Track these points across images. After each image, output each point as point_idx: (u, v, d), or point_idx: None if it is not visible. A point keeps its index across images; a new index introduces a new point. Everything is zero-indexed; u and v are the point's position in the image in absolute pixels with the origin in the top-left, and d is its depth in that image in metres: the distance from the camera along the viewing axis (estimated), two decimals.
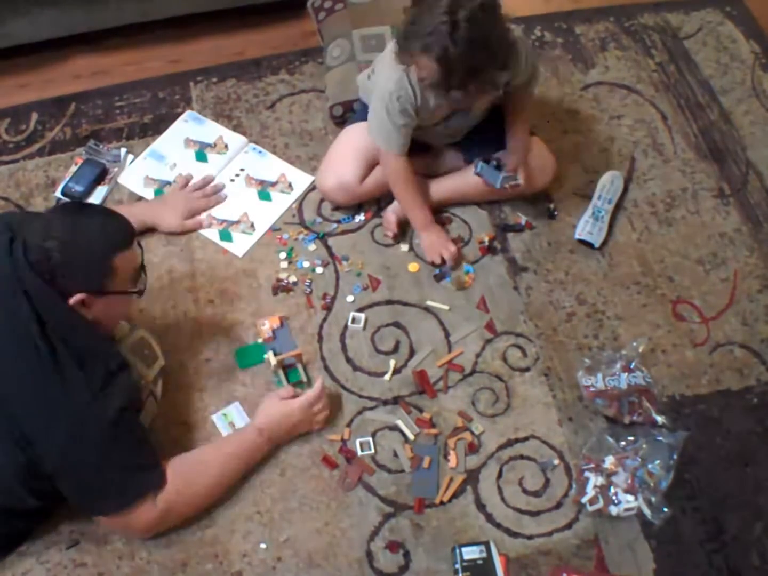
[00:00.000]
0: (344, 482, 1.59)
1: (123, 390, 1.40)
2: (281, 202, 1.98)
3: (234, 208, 1.97)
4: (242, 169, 2.04)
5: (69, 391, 1.34)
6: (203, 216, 1.94)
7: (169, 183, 2.00)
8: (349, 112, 2.04)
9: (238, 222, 1.94)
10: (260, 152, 2.07)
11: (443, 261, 1.85)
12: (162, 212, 1.90)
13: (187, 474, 1.49)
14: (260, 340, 1.76)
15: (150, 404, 1.57)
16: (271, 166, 2.04)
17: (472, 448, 1.63)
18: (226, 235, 1.92)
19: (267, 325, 1.77)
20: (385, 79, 1.73)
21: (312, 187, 2.00)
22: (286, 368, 1.71)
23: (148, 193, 1.99)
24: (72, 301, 1.35)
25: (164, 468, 1.46)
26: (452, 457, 1.61)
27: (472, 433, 1.65)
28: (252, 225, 1.94)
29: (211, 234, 1.93)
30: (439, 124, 1.82)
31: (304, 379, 1.70)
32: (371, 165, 1.89)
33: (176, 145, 2.08)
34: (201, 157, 2.05)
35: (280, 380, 1.69)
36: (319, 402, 1.61)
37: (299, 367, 1.71)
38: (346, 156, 1.89)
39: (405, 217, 1.90)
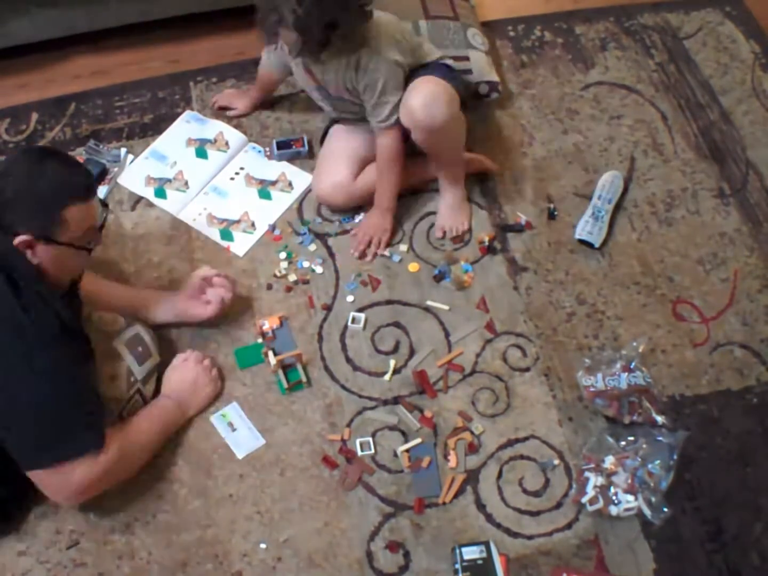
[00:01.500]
0: (344, 482, 1.59)
1: (67, 344, 1.39)
2: (282, 201, 1.98)
3: (234, 208, 1.97)
4: (242, 168, 2.04)
5: (8, 332, 1.33)
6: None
7: (169, 180, 2.00)
8: None
9: (238, 221, 1.94)
10: (260, 151, 2.07)
11: (362, 253, 1.88)
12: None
13: (125, 443, 1.48)
14: (260, 340, 1.76)
15: (135, 402, 1.58)
16: (270, 165, 2.04)
17: (472, 449, 1.63)
18: (227, 234, 1.92)
19: (267, 325, 1.77)
20: None
21: (311, 188, 2.00)
22: (286, 368, 1.71)
23: (148, 192, 1.99)
24: (16, 241, 1.34)
25: (105, 432, 1.44)
26: (452, 457, 1.61)
27: (472, 433, 1.65)
28: (253, 224, 1.94)
29: (212, 233, 1.93)
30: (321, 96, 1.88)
31: (304, 379, 1.70)
32: (362, 163, 1.91)
33: (177, 144, 2.07)
34: (201, 153, 2.05)
35: (280, 380, 1.70)
36: (204, 359, 1.68)
37: (299, 367, 1.71)
38: (337, 157, 1.91)
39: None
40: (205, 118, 2.12)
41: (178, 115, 2.14)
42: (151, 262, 1.88)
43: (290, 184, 2.01)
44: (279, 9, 1.55)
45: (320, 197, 1.94)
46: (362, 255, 1.89)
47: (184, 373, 1.66)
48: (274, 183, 2.01)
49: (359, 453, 1.62)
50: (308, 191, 2.00)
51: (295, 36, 1.59)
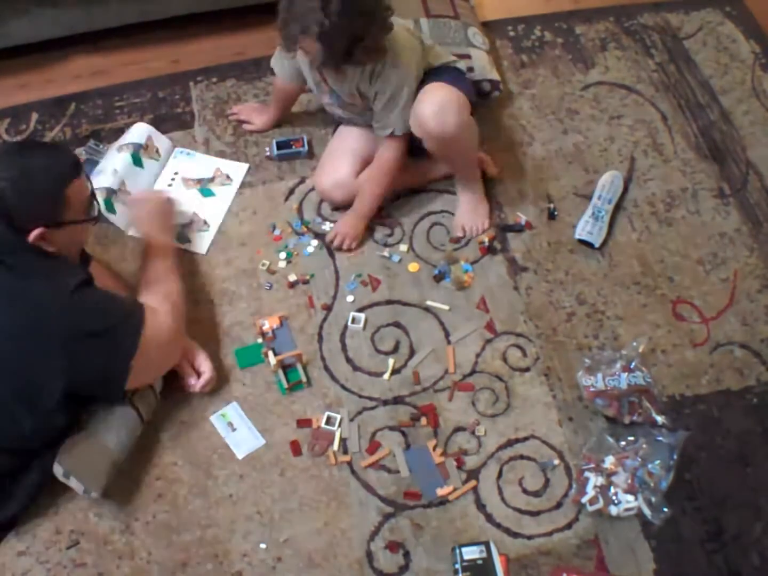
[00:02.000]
0: (313, 449, 1.62)
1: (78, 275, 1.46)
2: (225, 194, 1.99)
3: (183, 211, 1.96)
4: (176, 173, 2.03)
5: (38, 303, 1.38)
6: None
7: (115, 192, 1.91)
8: None
9: (190, 223, 1.94)
10: (188, 154, 2.06)
11: (332, 241, 1.89)
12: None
13: (159, 288, 1.63)
14: (260, 340, 1.76)
15: (149, 397, 1.59)
16: (202, 164, 2.05)
17: (470, 451, 1.63)
18: (182, 238, 1.92)
19: (267, 325, 1.77)
20: None
21: (311, 188, 2.00)
22: (286, 368, 1.71)
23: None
24: (32, 237, 1.37)
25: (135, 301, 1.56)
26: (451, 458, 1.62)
27: (473, 433, 1.65)
28: (205, 222, 1.95)
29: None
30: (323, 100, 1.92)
31: (304, 379, 1.70)
32: (364, 162, 1.91)
33: (110, 153, 2.01)
34: (137, 161, 2.00)
35: (280, 380, 1.69)
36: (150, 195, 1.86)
37: (299, 366, 1.71)
38: (340, 155, 1.93)
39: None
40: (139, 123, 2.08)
41: (178, 115, 2.15)
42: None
43: (228, 176, 2.02)
44: (305, 19, 1.52)
45: (321, 192, 1.95)
46: (337, 248, 1.91)
47: (141, 214, 1.80)
48: (212, 179, 2.02)
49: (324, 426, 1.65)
50: (311, 189, 2.00)
51: (318, 47, 1.55)
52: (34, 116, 2.16)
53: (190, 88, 2.21)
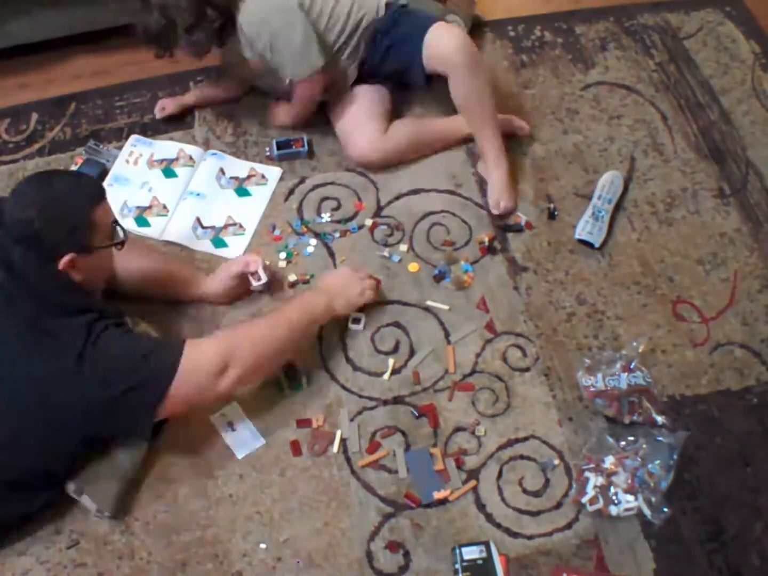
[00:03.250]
0: (313, 448, 1.61)
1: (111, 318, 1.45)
2: (261, 194, 1.98)
3: (216, 213, 1.95)
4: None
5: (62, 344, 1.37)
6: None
7: (148, 207, 1.95)
8: None
9: (225, 226, 1.93)
10: (220, 156, 2.04)
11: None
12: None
13: (235, 329, 1.61)
14: None
15: None
16: (236, 165, 2.04)
17: (470, 451, 1.63)
18: (219, 242, 1.91)
19: None
20: None
21: (311, 188, 2.00)
22: (287, 368, 1.70)
23: (129, 222, 1.92)
24: (62, 263, 1.38)
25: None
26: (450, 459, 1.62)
27: (473, 433, 1.65)
28: (240, 225, 1.93)
29: (206, 246, 1.90)
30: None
31: (304, 379, 1.70)
32: (386, 118, 1.98)
33: (139, 168, 2.03)
34: (169, 173, 2.01)
35: (281, 380, 1.69)
36: (360, 270, 1.77)
37: (299, 367, 1.71)
38: (362, 116, 1.96)
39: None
40: (150, 140, 2.09)
41: (178, 115, 2.14)
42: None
43: (263, 176, 2.01)
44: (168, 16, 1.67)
45: (357, 157, 1.97)
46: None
47: (337, 274, 1.75)
48: (248, 178, 2.01)
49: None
50: (311, 189, 2.00)
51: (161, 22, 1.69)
52: (34, 116, 2.16)
53: (190, 88, 2.21)
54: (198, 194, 1.98)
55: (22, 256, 1.37)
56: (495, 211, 1.93)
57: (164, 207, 1.96)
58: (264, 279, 1.74)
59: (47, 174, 1.56)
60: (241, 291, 1.79)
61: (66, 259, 1.38)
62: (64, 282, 1.41)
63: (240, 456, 1.62)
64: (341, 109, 2.00)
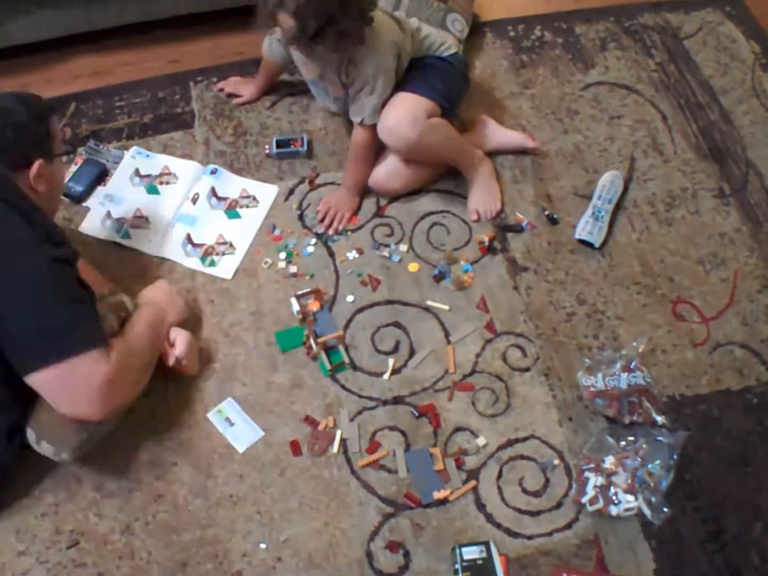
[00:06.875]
0: (313, 448, 1.61)
1: (65, 250, 1.42)
2: (252, 217, 1.95)
3: (207, 232, 1.93)
4: (197, 194, 1.98)
5: (9, 235, 1.35)
6: None
7: (127, 220, 1.93)
8: None
9: (214, 245, 1.91)
10: (217, 175, 2.01)
11: (322, 220, 1.94)
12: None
13: (127, 343, 1.48)
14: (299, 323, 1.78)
15: None
16: (228, 184, 2.01)
17: (470, 451, 1.63)
18: (209, 261, 1.89)
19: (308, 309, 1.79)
20: None
21: (311, 189, 2.00)
22: (328, 350, 1.72)
23: (113, 236, 1.92)
24: (34, 169, 1.47)
25: (105, 331, 1.43)
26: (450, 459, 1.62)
27: (472, 432, 1.65)
28: (231, 245, 1.91)
29: (194, 263, 1.88)
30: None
31: (347, 360, 1.72)
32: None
33: (127, 183, 2.02)
34: (153, 190, 2.00)
35: (323, 363, 1.71)
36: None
37: (341, 348, 1.73)
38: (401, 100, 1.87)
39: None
40: (151, 153, 2.07)
41: (178, 115, 2.15)
42: (152, 262, 1.89)
43: (254, 198, 1.98)
44: None
45: (377, 187, 1.96)
46: (326, 228, 1.93)
47: (156, 289, 1.72)
48: (237, 201, 1.98)
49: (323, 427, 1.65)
50: (310, 190, 2.00)
51: (292, 23, 1.61)
52: None
53: (190, 88, 2.21)
54: (190, 219, 1.95)
55: None
56: (473, 218, 1.94)
57: (147, 220, 1.95)
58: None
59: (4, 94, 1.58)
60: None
61: (38, 164, 1.47)
62: (22, 191, 1.43)
63: (241, 450, 1.62)
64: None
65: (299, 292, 1.79)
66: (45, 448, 1.46)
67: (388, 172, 1.93)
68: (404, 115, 1.78)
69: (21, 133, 1.46)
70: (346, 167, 1.96)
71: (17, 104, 1.49)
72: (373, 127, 1.83)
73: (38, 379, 1.35)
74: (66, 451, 1.46)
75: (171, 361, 1.63)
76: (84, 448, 1.50)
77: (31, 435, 1.46)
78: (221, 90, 2.18)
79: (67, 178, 1.98)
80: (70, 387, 1.36)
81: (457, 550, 1.49)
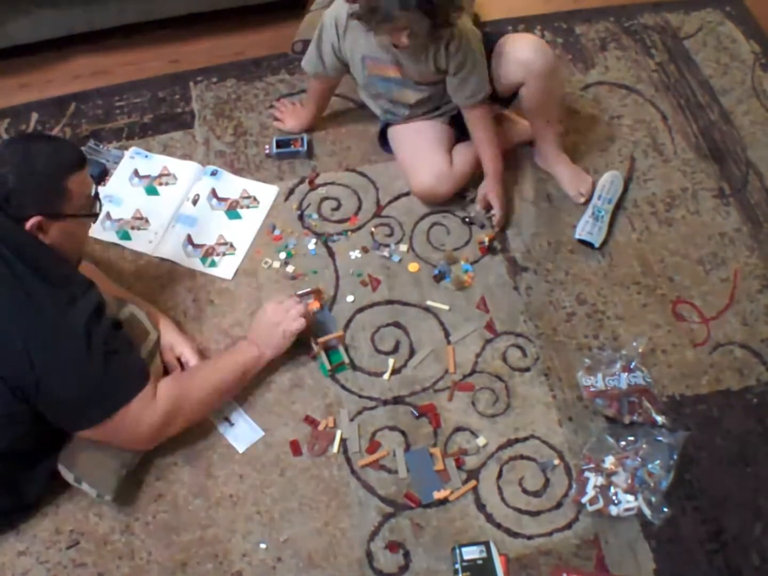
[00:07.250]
0: (314, 448, 1.61)
1: (90, 302, 1.41)
2: (252, 217, 1.95)
3: (207, 233, 1.93)
4: (198, 195, 1.98)
5: (36, 306, 1.35)
6: None
7: (128, 221, 1.94)
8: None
9: (214, 246, 1.91)
10: (217, 177, 2.01)
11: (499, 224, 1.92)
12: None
13: (186, 380, 1.54)
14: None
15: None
16: (229, 185, 2.01)
17: (470, 451, 1.63)
18: (209, 261, 1.88)
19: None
20: (332, 8, 1.80)
21: (310, 189, 2.00)
22: (328, 350, 1.72)
23: (111, 236, 1.92)
24: (28, 224, 1.37)
25: (148, 369, 1.48)
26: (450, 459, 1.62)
27: (472, 432, 1.65)
28: (231, 245, 1.91)
29: (195, 263, 1.88)
30: (377, 89, 1.90)
31: (347, 360, 1.71)
32: (449, 150, 1.94)
33: (125, 184, 2.01)
34: (152, 191, 2.00)
35: (323, 363, 1.71)
36: (287, 300, 1.70)
37: (341, 348, 1.73)
38: (427, 149, 1.91)
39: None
40: (150, 154, 2.07)
41: (178, 115, 2.15)
42: (152, 262, 1.89)
43: (255, 198, 1.98)
44: None
45: (424, 191, 1.92)
46: (498, 224, 1.92)
47: (260, 323, 1.68)
48: (238, 201, 1.97)
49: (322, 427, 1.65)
50: (310, 190, 2.00)
51: (423, 21, 1.56)
52: (34, 116, 2.16)
53: (190, 88, 2.21)
54: (190, 220, 1.95)
55: None
56: (581, 200, 1.96)
57: (146, 221, 1.94)
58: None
59: (29, 136, 1.56)
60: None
61: (33, 220, 1.37)
62: (31, 239, 1.39)
63: (241, 450, 1.62)
64: (406, 143, 1.96)
65: (299, 292, 1.79)
66: (86, 489, 1.50)
67: (437, 176, 1.88)
68: (536, 38, 1.84)
69: (22, 183, 1.36)
70: (486, 157, 1.89)
71: (39, 150, 1.41)
72: (486, 104, 1.84)
73: (89, 434, 1.44)
74: (108, 493, 1.51)
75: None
76: (123, 485, 1.53)
77: (67, 474, 1.49)
78: (274, 108, 2.13)
79: None
80: (123, 433, 1.46)
81: (457, 550, 1.49)
